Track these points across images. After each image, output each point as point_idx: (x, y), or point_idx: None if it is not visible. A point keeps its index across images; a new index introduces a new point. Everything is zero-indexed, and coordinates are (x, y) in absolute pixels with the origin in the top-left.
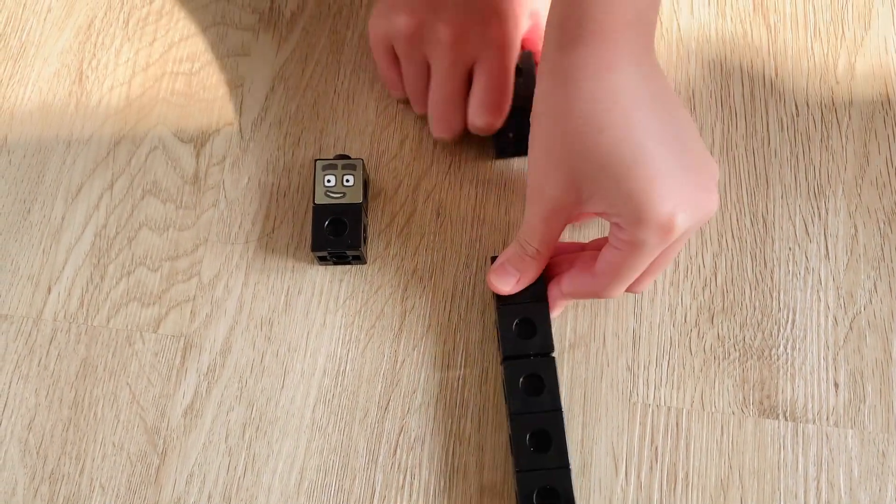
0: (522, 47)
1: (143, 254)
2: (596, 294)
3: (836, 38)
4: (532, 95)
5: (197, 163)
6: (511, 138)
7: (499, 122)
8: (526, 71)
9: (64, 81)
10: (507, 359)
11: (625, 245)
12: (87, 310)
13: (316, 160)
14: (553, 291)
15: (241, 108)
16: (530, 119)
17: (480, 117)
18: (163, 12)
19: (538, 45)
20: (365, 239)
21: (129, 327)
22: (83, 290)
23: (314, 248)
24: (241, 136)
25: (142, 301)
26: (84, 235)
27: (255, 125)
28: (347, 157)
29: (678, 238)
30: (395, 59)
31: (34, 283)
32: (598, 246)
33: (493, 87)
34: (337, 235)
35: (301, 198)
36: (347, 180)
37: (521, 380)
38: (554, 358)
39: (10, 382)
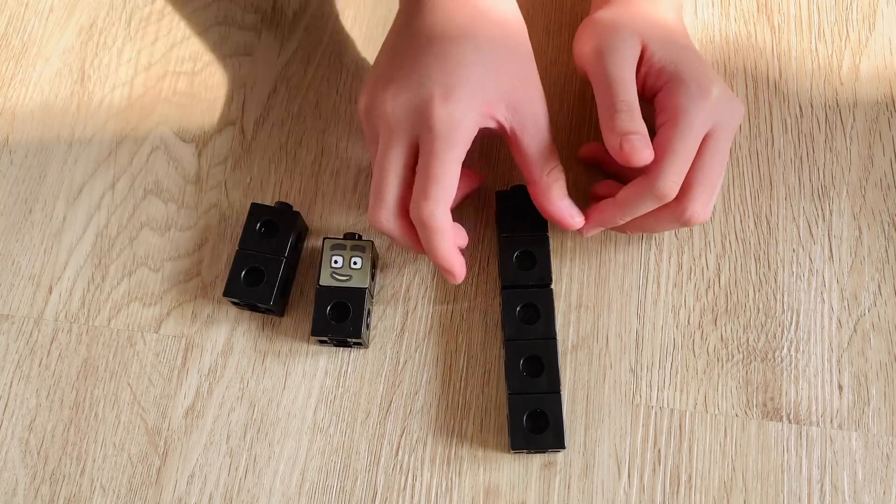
0: (503, 133)
1: (145, 254)
2: (652, 187)
3: (841, 40)
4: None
5: (199, 163)
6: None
7: (428, 213)
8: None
9: (66, 81)
10: (506, 288)
11: (670, 115)
12: (89, 310)
13: (325, 238)
14: (605, 206)
15: (243, 108)
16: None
17: (413, 205)
18: (165, 12)
19: (518, 137)
20: (368, 324)
21: (130, 327)
22: (84, 291)
23: (314, 332)
24: (244, 137)
25: (143, 301)
26: (85, 235)
27: (257, 125)
28: (358, 237)
29: (715, 131)
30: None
31: (35, 283)
32: None
33: (424, 173)
34: (339, 320)
35: (302, 198)
36: (355, 262)
37: (517, 308)
38: (552, 289)
39: (11, 383)
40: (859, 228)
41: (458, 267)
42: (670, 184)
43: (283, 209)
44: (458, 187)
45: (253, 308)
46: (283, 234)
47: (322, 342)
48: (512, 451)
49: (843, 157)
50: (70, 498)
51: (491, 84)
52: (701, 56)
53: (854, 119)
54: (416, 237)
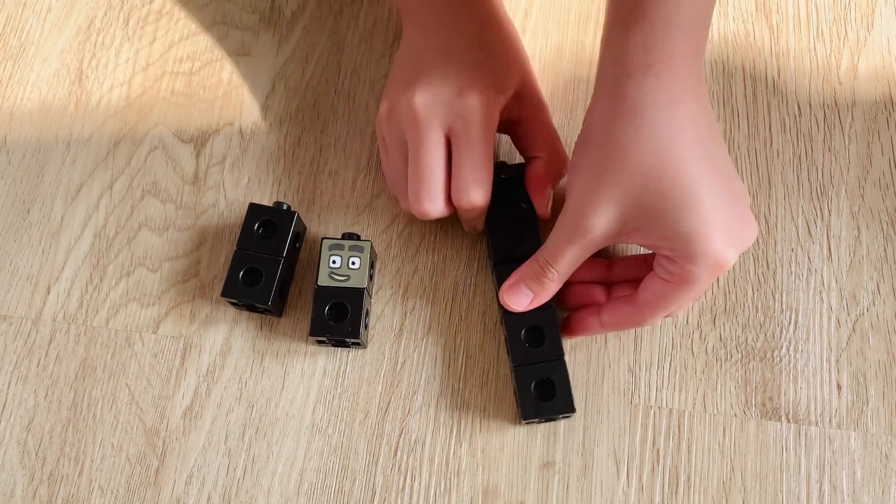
0: (506, 124)
1: (143, 254)
2: (637, 324)
3: (839, 39)
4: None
5: (197, 163)
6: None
7: (479, 197)
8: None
9: (64, 81)
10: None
11: (675, 278)
12: (87, 310)
13: (323, 239)
14: (590, 321)
15: (241, 108)
16: (576, 144)
17: (460, 194)
18: (163, 12)
19: (528, 124)
20: (366, 325)
21: (128, 328)
22: (82, 291)
23: (313, 332)
24: (242, 137)
25: (141, 302)
26: (83, 236)
27: (255, 125)
28: (356, 237)
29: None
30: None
31: (33, 284)
32: (626, 275)
33: (468, 161)
34: (337, 321)
35: (300, 198)
36: (353, 262)
37: None
38: None
39: (9, 383)
40: (858, 228)
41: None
42: (656, 321)
43: (282, 209)
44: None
45: (251, 308)
46: (282, 234)
47: (320, 342)
48: (524, 423)
49: (842, 157)
50: (68, 499)
51: (510, 78)
52: (715, 173)
53: (853, 118)
54: (451, 211)
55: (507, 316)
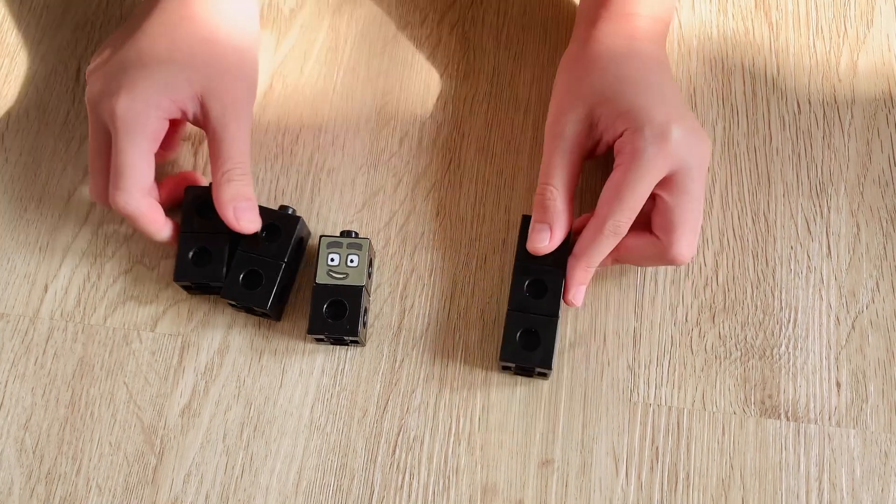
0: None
1: (141, 252)
2: (601, 231)
3: (839, 36)
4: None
5: (195, 160)
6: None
7: (114, 204)
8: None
9: (61, 79)
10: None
11: (625, 157)
12: (84, 308)
13: (321, 236)
14: (573, 266)
15: None
16: (558, 72)
17: (110, 198)
18: None
19: (210, 140)
20: (365, 322)
21: (126, 326)
22: (80, 289)
23: (311, 330)
24: None
25: (139, 300)
26: (81, 233)
27: (253, 122)
28: (354, 235)
29: (680, 173)
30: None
31: (31, 282)
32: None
33: (112, 167)
34: (336, 318)
35: (299, 195)
36: (352, 260)
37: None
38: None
39: (7, 381)
40: (857, 225)
41: (164, 231)
42: (622, 222)
43: (286, 214)
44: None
45: (249, 311)
46: (285, 238)
47: (319, 340)
48: (500, 365)
49: (841, 154)
50: (66, 497)
51: (182, 82)
52: (665, 88)
53: (852, 115)
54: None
55: (518, 264)
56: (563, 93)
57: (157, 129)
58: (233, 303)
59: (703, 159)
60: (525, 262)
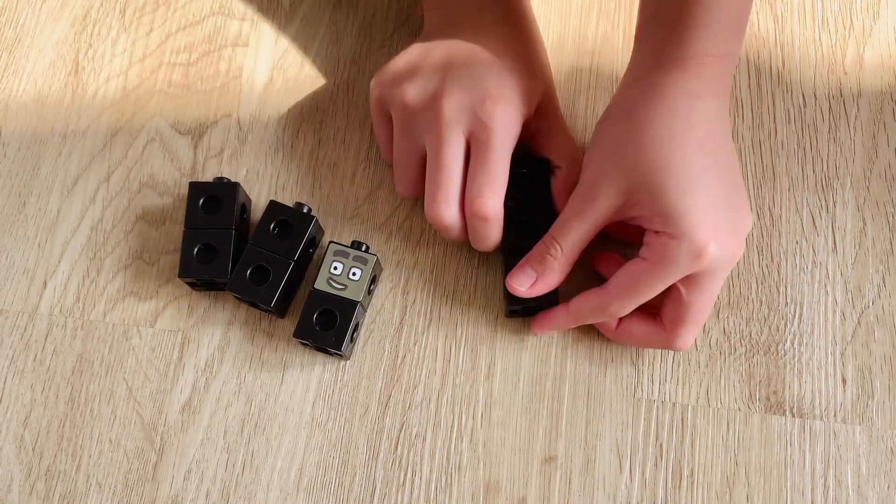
0: (526, 136)
1: (140, 247)
2: (604, 307)
3: (845, 29)
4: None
5: (195, 155)
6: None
7: (492, 203)
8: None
9: (60, 72)
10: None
11: (654, 255)
12: (84, 304)
13: (330, 242)
14: (558, 311)
15: (239, 99)
16: (598, 124)
17: (474, 198)
18: (159, 2)
19: (550, 135)
20: (354, 338)
21: (125, 322)
22: (79, 285)
23: (297, 333)
24: (240, 128)
25: (139, 295)
26: (80, 229)
27: (253, 117)
28: (365, 249)
29: (705, 275)
30: (391, 121)
31: (29, 278)
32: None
33: (485, 167)
34: (325, 328)
35: (300, 191)
36: (354, 273)
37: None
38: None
39: (6, 378)
40: (863, 220)
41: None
42: (627, 308)
43: (301, 212)
44: None
45: (254, 305)
46: (297, 237)
47: (304, 344)
48: (507, 312)
49: (847, 148)
50: (66, 494)
51: (535, 88)
52: (716, 183)
53: (858, 109)
54: (465, 229)
55: (511, 206)
56: (605, 155)
57: (517, 137)
58: (237, 296)
59: (731, 262)
60: (515, 305)
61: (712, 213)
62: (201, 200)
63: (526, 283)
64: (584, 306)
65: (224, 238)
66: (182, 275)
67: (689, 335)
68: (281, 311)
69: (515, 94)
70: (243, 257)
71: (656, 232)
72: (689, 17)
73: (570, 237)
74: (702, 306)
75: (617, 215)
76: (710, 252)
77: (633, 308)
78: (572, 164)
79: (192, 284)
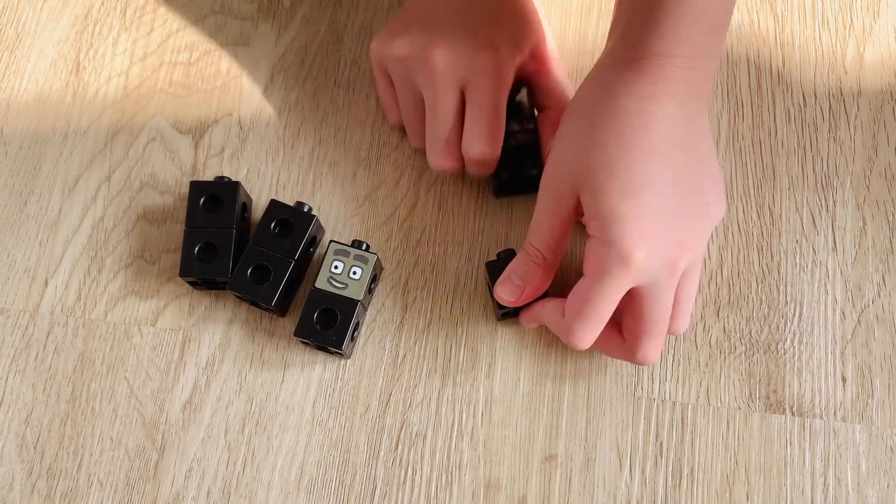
0: (521, 79)
1: (141, 246)
2: (567, 334)
3: (845, 28)
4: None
5: (195, 154)
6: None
7: (489, 152)
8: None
9: (61, 72)
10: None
11: (590, 267)
12: (85, 303)
13: (331, 241)
14: (534, 304)
15: (240, 98)
16: (561, 120)
17: (470, 147)
18: (160, 2)
19: (540, 78)
20: (354, 337)
21: (126, 321)
22: (80, 284)
23: (297, 332)
24: (241, 127)
25: (140, 294)
26: (81, 228)
27: (254, 116)
28: (365, 248)
29: (649, 286)
30: (393, 84)
31: (31, 277)
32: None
33: (481, 117)
34: (326, 327)
35: (300, 190)
36: (355, 272)
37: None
38: None
39: (7, 377)
40: (863, 219)
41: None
42: (587, 335)
43: (302, 211)
44: None
45: (255, 304)
46: (297, 236)
47: (305, 343)
48: (498, 316)
49: (847, 147)
50: (67, 493)
51: (526, 34)
52: (660, 187)
53: (858, 108)
54: (463, 168)
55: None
56: (562, 152)
57: (510, 86)
58: (238, 295)
59: (672, 270)
60: (505, 309)
61: (649, 220)
62: (202, 199)
63: (515, 294)
64: (545, 315)
65: (225, 237)
66: (183, 274)
67: (650, 348)
68: (282, 309)
69: (506, 43)
70: (244, 256)
71: (592, 237)
72: (649, 16)
73: (544, 238)
74: (656, 317)
75: (577, 214)
76: (636, 259)
77: (596, 332)
78: (559, 105)
79: (193, 284)
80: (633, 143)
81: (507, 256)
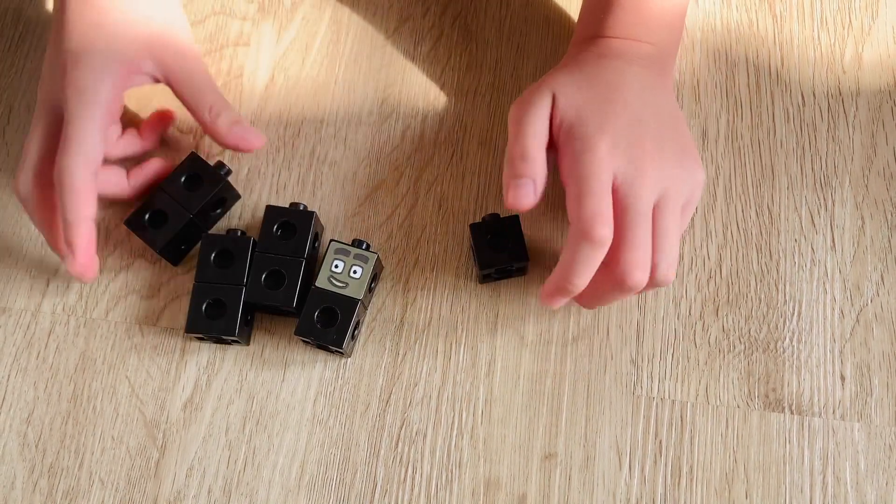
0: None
1: (142, 246)
2: (576, 218)
3: (843, 28)
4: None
5: (197, 152)
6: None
7: (59, 166)
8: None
9: None
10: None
11: (567, 161)
12: (86, 302)
13: (331, 240)
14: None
15: (240, 98)
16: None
17: (55, 166)
18: None
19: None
20: (354, 336)
21: (127, 320)
22: (81, 283)
23: (298, 331)
24: None
25: (141, 293)
26: None
27: (254, 115)
28: (366, 247)
29: (619, 189)
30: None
31: (32, 276)
32: None
33: (62, 138)
34: (325, 325)
35: (300, 190)
36: (355, 271)
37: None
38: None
39: (9, 375)
40: (862, 218)
41: (82, 248)
42: (590, 208)
43: (299, 210)
44: (118, 146)
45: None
46: (301, 235)
47: (305, 342)
48: (480, 278)
49: (846, 147)
50: (68, 491)
51: (126, 45)
52: (626, 125)
53: (857, 108)
54: (48, 214)
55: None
56: (553, 73)
57: (110, 100)
58: (305, 339)
59: (642, 172)
60: (487, 269)
61: (619, 126)
62: (214, 254)
63: (530, 193)
64: (571, 254)
65: (234, 294)
66: (189, 330)
67: (630, 257)
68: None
69: (98, 55)
70: (254, 265)
71: (565, 148)
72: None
73: (530, 133)
74: (633, 222)
75: (552, 125)
76: (601, 147)
77: (604, 205)
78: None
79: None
80: (611, 74)
81: (492, 220)
